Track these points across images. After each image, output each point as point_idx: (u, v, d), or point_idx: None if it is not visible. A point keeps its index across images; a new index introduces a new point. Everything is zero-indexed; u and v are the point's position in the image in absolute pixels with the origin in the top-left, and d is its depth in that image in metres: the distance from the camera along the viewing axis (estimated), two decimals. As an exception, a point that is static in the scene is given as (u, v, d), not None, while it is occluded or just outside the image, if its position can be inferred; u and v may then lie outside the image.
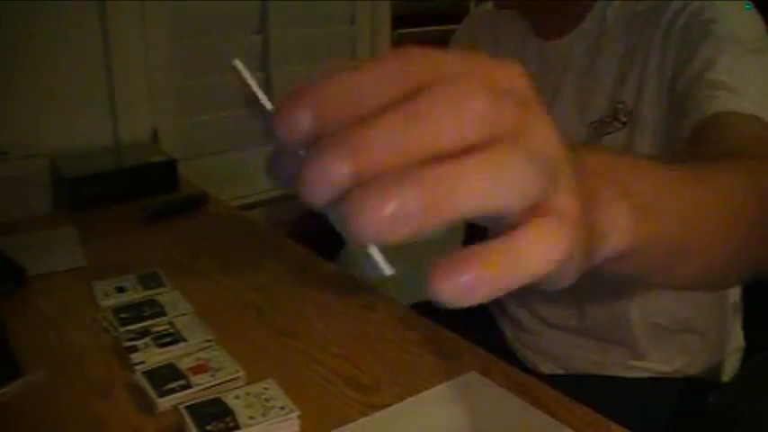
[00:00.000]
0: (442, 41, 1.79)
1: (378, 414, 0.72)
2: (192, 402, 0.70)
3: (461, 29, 1.16)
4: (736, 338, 1.05)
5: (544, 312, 1.04)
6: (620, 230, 0.40)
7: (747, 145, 0.70)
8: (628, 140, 0.90)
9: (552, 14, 0.95)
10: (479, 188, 0.27)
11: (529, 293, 1.05)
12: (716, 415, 0.85)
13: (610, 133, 0.91)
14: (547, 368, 1.05)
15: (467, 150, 0.27)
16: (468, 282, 0.28)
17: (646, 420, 0.92)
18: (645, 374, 1.01)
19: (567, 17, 0.94)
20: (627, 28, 0.90)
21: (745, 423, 0.78)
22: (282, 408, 0.69)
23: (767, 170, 0.62)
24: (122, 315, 0.87)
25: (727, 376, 1.01)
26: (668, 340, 0.99)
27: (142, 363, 0.78)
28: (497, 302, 1.13)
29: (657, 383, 1.00)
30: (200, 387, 0.74)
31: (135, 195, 1.27)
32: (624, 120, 0.90)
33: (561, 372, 1.04)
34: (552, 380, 1.00)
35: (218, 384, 0.75)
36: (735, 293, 1.03)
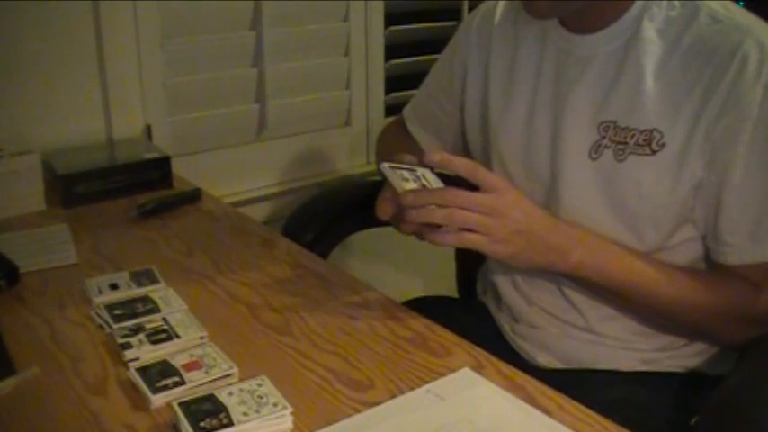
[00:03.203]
0: (434, 38, 1.79)
1: (371, 411, 0.73)
2: (186, 399, 0.70)
3: (471, 22, 1.13)
4: None
5: (543, 304, 1.05)
6: (569, 259, 0.91)
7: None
8: (655, 168, 0.90)
9: (589, 13, 0.94)
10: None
11: (531, 287, 1.06)
12: (713, 408, 0.85)
13: (643, 154, 0.91)
14: (544, 360, 1.05)
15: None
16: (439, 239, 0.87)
17: (643, 414, 0.93)
18: (642, 368, 1.01)
19: (603, 15, 0.94)
20: (674, 48, 0.90)
21: (743, 416, 0.79)
22: (276, 404, 0.70)
23: (714, 296, 0.92)
24: (116, 312, 0.87)
25: (723, 369, 1.01)
26: (666, 334, 1.00)
27: (136, 359, 0.79)
28: (496, 297, 1.14)
29: (654, 377, 1.01)
30: (194, 384, 0.74)
31: (128, 192, 1.27)
32: (656, 149, 0.90)
33: (559, 364, 1.04)
34: (549, 374, 1.01)
35: (211, 381, 0.75)
36: None
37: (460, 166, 0.87)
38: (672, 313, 0.95)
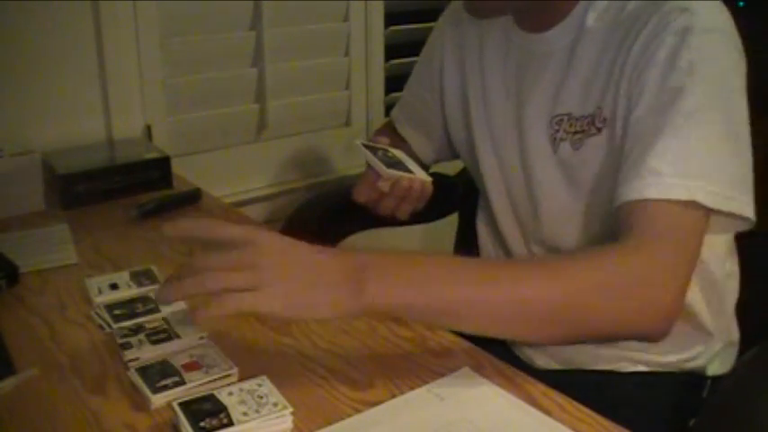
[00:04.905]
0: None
1: (370, 411, 0.73)
2: (186, 399, 0.70)
3: (444, 21, 1.17)
4: (732, 332, 1.05)
5: None
6: (368, 297, 0.69)
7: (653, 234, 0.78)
8: (604, 145, 0.90)
9: (536, 12, 0.96)
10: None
11: None
12: (712, 409, 0.85)
13: (592, 135, 0.91)
14: (542, 362, 1.05)
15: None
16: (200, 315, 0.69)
17: (642, 415, 0.93)
18: (640, 368, 1.01)
19: (551, 13, 0.95)
20: (612, 28, 0.90)
21: (742, 417, 0.79)
22: (275, 404, 0.70)
23: (581, 274, 0.75)
24: (116, 312, 0.87)
25: (722, 370, 1.01)
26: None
27: (136, 359, 0.79)
28: None
29: (653, 377, 1.01)
30: (194, 384, 0.74)
31: (128, 192, 1.27)
32: (600, 126, 0.90)
33: (557, 366, 1.05)
34: (547, 375, 1.01)
35: (211, 381, 0.75)
36: (731, 287, 1.04)
37: (196, 228, 0.75)
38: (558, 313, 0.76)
